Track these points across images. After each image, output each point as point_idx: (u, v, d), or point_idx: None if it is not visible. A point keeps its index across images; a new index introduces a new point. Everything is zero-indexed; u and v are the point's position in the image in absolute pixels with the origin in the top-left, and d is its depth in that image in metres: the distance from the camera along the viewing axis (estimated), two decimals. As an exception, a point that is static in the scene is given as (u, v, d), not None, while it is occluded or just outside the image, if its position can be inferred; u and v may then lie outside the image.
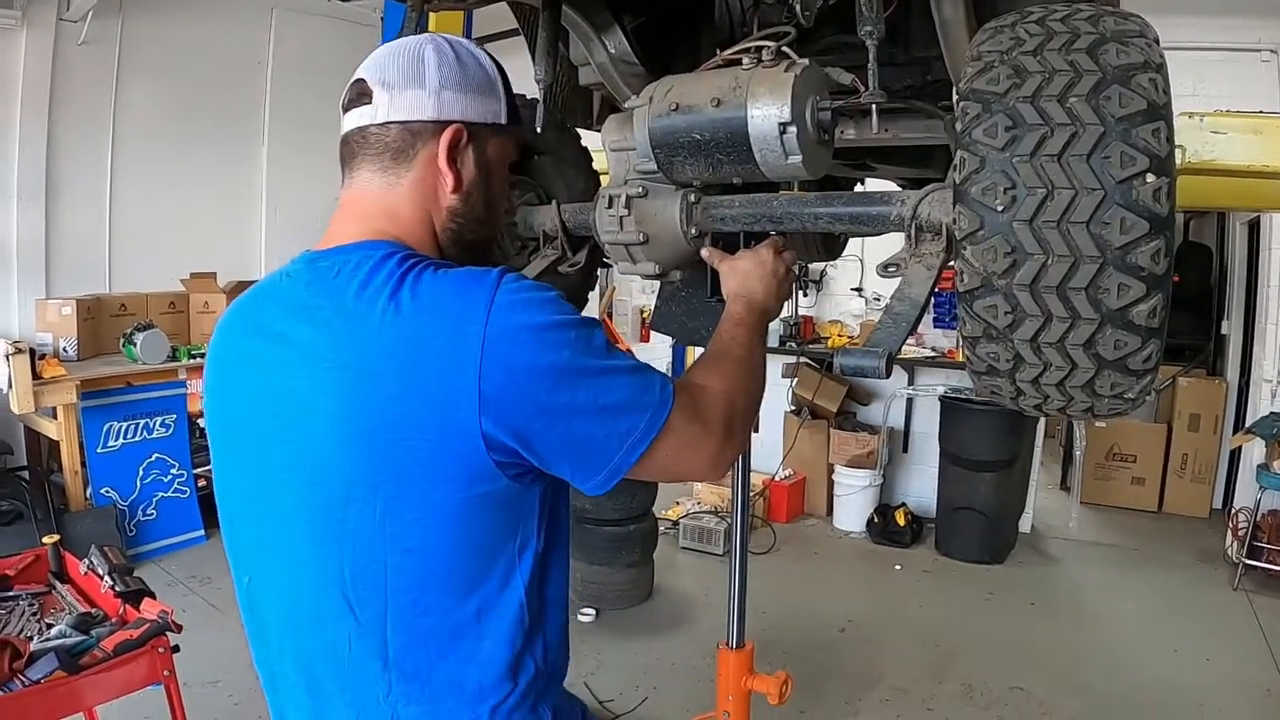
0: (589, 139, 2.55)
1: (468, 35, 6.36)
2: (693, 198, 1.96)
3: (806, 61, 1.72)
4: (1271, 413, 6.83)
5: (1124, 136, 1.29)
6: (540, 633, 1.41)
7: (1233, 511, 7.03)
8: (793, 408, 8.05)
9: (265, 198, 8.81)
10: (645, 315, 9.43)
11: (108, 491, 6.40)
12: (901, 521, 7.25)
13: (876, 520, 7.36)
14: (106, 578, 3.15)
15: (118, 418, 6.46)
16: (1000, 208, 1.35)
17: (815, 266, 8.27)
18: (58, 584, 3.35)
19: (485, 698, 1.35)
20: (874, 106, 1.75)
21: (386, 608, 1.33)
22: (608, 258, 2.18)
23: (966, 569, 6.77)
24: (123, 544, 6.05)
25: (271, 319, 1.40)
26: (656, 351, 8.78)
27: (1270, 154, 3.69)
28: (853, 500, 7.53)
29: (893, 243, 1.71)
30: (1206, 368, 8.64)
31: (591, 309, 8.72)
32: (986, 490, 6.81)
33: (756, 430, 3.45)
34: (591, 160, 2.55)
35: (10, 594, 3.26)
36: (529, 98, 2.39)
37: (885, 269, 1.64)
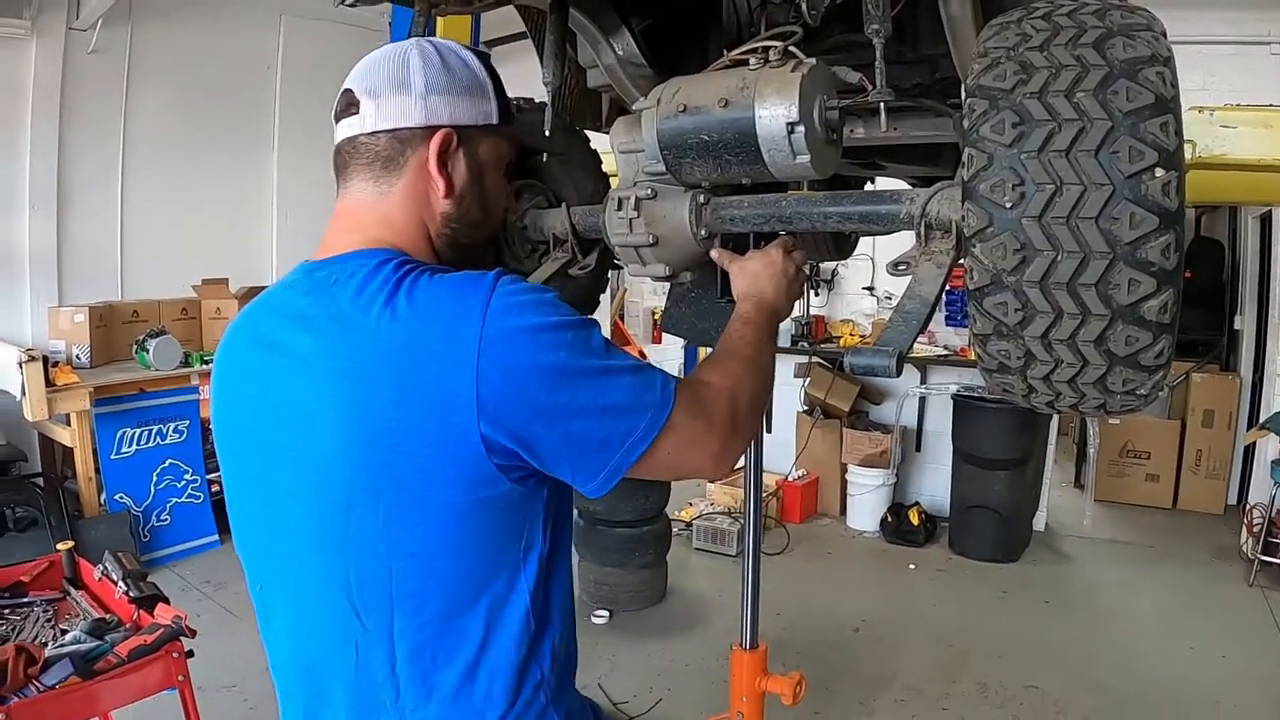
0: (598, 141, 2.55)
1: (475, 39, 6.37)
2: (702, 199, 1.95)
3: (814, 61, 1.72)
4: (1286, 408, 6.81)
5: (1132, 131, 1.28)
6: (547, 637, 1.41)
7: (1248, 507, 6.99)
8: (805, 407, 8.04)
9: (276, 203, 8.83)
10: (657, 317, 9.44)
11: (121, 497, 6.43)
12: (915, 521, 7.23)
13: (890, 519, 7.34)
14: (121, 583, 3.16)
15: (131, 424, 6.48)
16: (1009, 204, 1.34)
17: (826, 266, 8.27)
18: (72, 590, 3.36)
19: (493, 704, 1.35)
20: (882, 105, 1.75)
21: (392, 613, 1.33)
22: (618, 260, 2.18)
23: (980, 567, 6.76)
24: (137, 550, 6.06)
25: (271, 329, 1.41)
26: (668, 353, 8.80)
27: (1280, 147, 3.68)
28: (866, 500, 7.52)
29: (904, 241, 1.70)
30: (1220, 363, 8.59)
31: (603, 312, 8.74)
32: (1000, 488, 6.79)
33: (770, 431, 3.45)
34: (600, 163, 2.54)
35: (25, 600, 3.28)
36: (537, 101, 2.40)
37: (895, 267, 1.64)
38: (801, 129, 1.66)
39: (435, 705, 1.35)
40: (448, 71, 1.43)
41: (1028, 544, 7.09)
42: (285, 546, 1.42)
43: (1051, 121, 1.32)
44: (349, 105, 1.43)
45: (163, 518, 6.63)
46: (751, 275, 1.84)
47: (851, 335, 8.29)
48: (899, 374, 1.46)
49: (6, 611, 3.20)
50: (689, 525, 7.19)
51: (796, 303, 1.94)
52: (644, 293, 9.84)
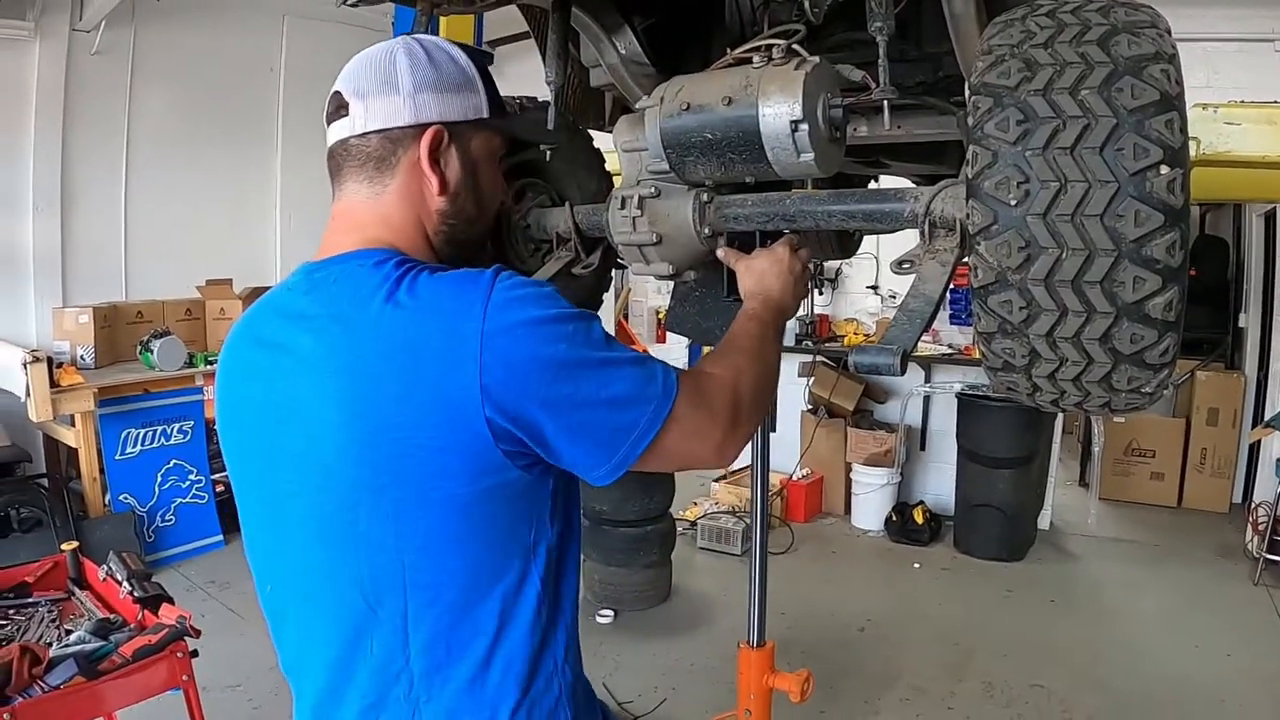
0: (601, 140, 2.55)
1: (479, 39, 6.38)
2: (705, 197, 1.95)
3: (817, 59, 1.72)
4: (1290, 406, 6.80)
5: (1137, 128, 1.28)
6: (560, 627, 1.42)
7: (1252, 506, 6.98)
8: (809, 407, 8.04)
9: (279, 203, 8.84)
10: (661, 316, 9.43)
11: (126, 498, 6.43)
12: (920, 520, 7.22)
13: (894, 518, 7.34)
14: (125, 584, 3.17)
15: (135, 425, 6.49)
16: (1013, 202, 1.34)
17: (830, 264, 8.27)
18: (77, 590, 3.37)
19: (507, 694, 1.36)
20: (885, 103, 1.75)
21: (406, 606, 1.33)
22: (621, 259, 2.18)
23: (985, 566, 6.75)
24: (141, 550, 6.07)
25: (273, 330, 1.42)
26: (673, 352, 8.79)
27: (1285, 145, 3.68)
28: (870, 499, 7.51)
29: (908, 239, 1.70)
30: (1225, 361, 8.58)
31: (607, 311, 8.75)
32: (1005, 487, 6.78)
33: (774, 430, 3.45)
34: (604, 161, 2.54)
35: (30, 600, 3.28)
36: (540, 100, 2.40)
37: (899, 266, 1.63)
38: (805, 127, 1.66)
39: (449, 696, 1.35)
40: (435, 68, 1.43)
41: (1032, 543, 7.09)
42: (293, 546, 1.42)
43: (1056, 119, 1.32)
44: (338, 108, 1.43)
45: (167, 518, 6.64)
46: (759, 274, 1.84)
47: (856, 334, 8.29)
48: (903, 372, 1.46)
49: (11, 612, 3.21)
50: (693, 525, 7.18)
51: (802, 301, 1.94)
52: (648, 292, 9.82)
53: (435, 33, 1.96)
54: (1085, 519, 7.70)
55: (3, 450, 6.54)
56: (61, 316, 6.83)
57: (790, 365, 7.84)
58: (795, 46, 1.74)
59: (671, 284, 2.62)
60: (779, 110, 1.67)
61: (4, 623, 3.13)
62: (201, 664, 2.99)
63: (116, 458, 6.40)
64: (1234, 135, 3.82)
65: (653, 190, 1.97)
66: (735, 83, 1.74)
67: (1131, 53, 1.33)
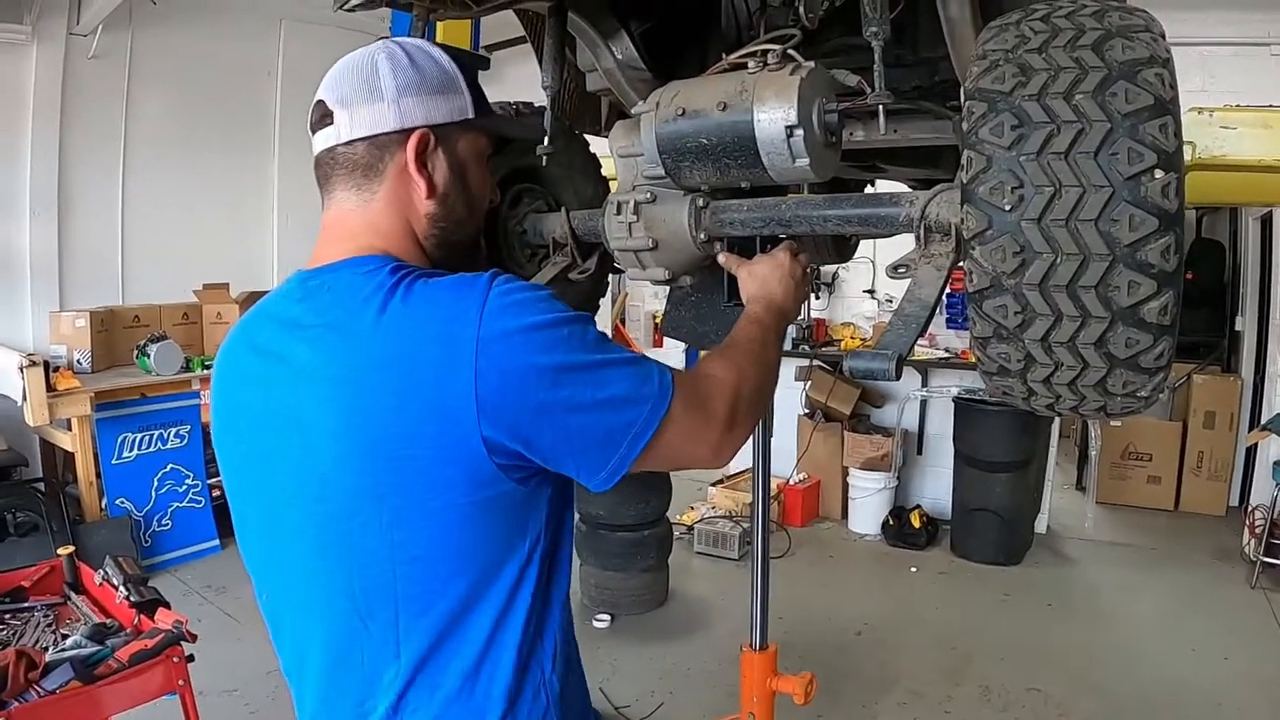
0: (597, 145, 2.55)
1: (475, 43, 6.39)
2: (701, 202, 1.95)
3: (812, 64, 1.72)
4: (1287, 409, 6.81)
5: (1131, 133, 1.28)
6: (548, 637, 1.41)
7: (1249, 509, 6.98)
8: (806, 411, 8.04)
9: (276, 208, 8.84)
10: (658, 320, 9.44)
11: (122, 502, 6.42)
12: (917, 524, 7.22)
13: (891, 523, 7.33)
14: (121, 588, 3.17)
15: (132, 429, 6.47)
16: (1008, 207, 1.34)
17: (827, 269, 8.27)
18: (73, 595, 3.37)
19: (494, 704, 1.35)
20: (881, 108, 1.75)
21: (398, 616, 1.33)
22: (617, 264, 2.18)
23: (982, 570, 6.74)
24: (138, 554, 6.05)
25: (267, 338, 1.41)
26: (670, 356, 8.78)
27: (1280, 148, 3.69)
28: (867, 503, 7.50)
29: (905, 244, 1.70)
30: (1221, 364, 8.59)
31: (604, 315, 8.74)
32: (1002, 491, 6.78)
33: (771, 434, 3.45)
34: (600, 167, 2.54)
35: (26, 605, 3.28)
36: (537, 105, 2.40)
37: (895, 270, 1.64)
38: (800, 132, 1.67)
39: (438, 706, 1.35)
40: (418, 71, 1.42)
41: (1029, 547, 7.08)
42: (288, 554, 1.42)
43: (1050, 123, 1.33)
44: (323, 116, 1.42)
45: (164, 522, 6.62)
46: (761, 279, 1.84)
47: (852, 338, 8.29)
48: (898, 377, 1.46)
49: (7, 616, 3.21)
50: (690, 529, 7.17)
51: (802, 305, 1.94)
52: (645, 296, 9.84)
53: (432, 38, 1.96)
54: (1082, 523, 7.69)
55: (-1, 454, 6.54)
56: (58, 320, 6.83)
57: (787, 369, 7.83)
58: (791, 52, 1.75)
59: (668, 289, 2.62)
60: (774, 115, 1.67)
61: (0, 627, 3.13)
62: (198, 669, 2.99)
63: (113, 462, 6.39)
64: (1230, 139, 3.83)
65: (649, 195, 1.97)
66: (731, 88, 1.74)
67: (1126, 57, 1.33)
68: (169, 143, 7.99)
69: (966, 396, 7.02)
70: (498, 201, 2.21)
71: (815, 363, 7.99)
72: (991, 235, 1.36)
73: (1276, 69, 6.48)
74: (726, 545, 6.93)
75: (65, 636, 3.00)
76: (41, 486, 6.55)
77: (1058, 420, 7.25)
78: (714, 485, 7.84)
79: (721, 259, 1.97)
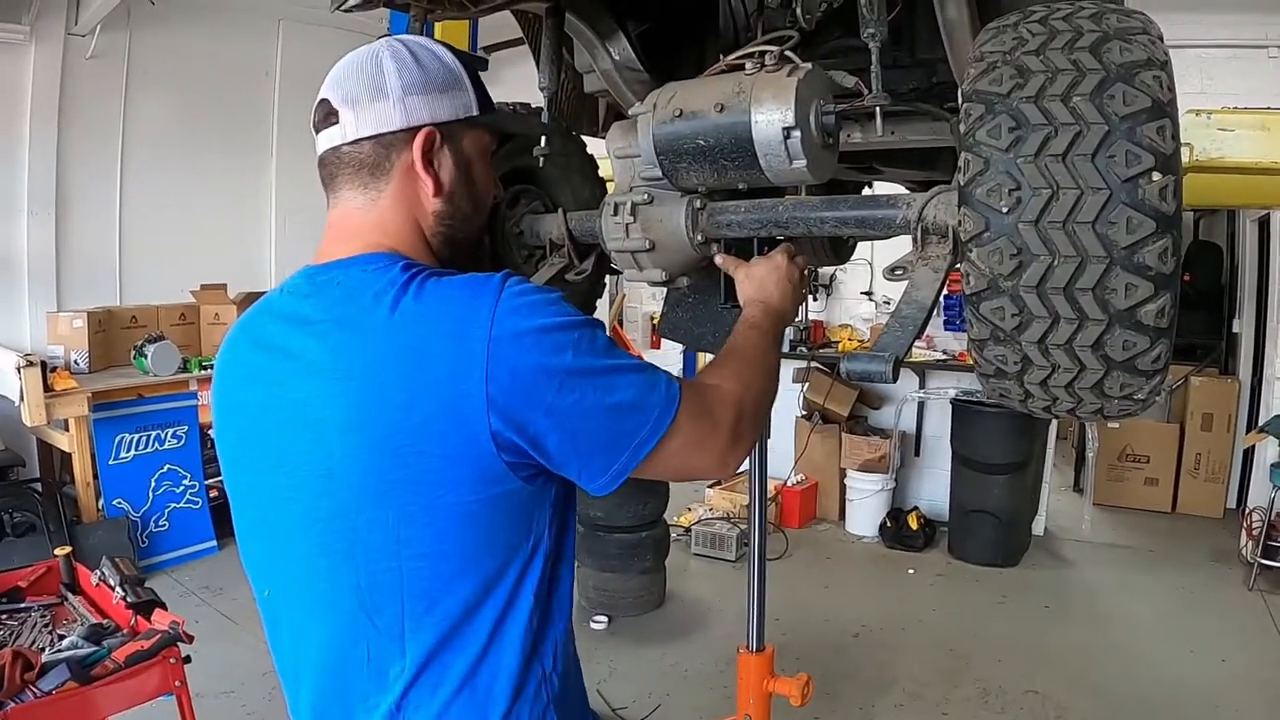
0: (594, 146, 2.54)
1: (473, 44, 6.38)
2: (698, 204, 1.95)
3: (810, 65, 1.72)
4: (1284, 411, 6.81)
5: (1129, 135, 1.28)
6: (549, 635, 1.41)
7: (1247, 511, 6.99)
8: (804, 412, 8.03)
9: (274, 208, 8.84)
10: (655, 321, 9.43)
11: (120, 503, 6.41)
12: (914, 525, 7.22)
13: (889, 524, 7.33)
14: (118, 589, 3.16)
15: (129, 429, 6.47)
16: (1005, 209, 1.34)
17: (825, 270, 8.27)
18: (70, 595, 3.36)
19: (496, 701, 1.35)
20: (878, 109, 1.75)
21: (403, 613, 1.33)
22: (614, 265, 2.18)
23: (980, 572, 6.74)
24: (135, 555, 6.05)
25: (273, 334, 1.41)
26: (668, 358, 8.78)
27: (1278, 150, 3.68)
28: (865, 505, 7.50)
29: (903, 245, 1.70)
30: (1219, 367, 8.59)
31: (601, 317, 8.73)
32: (999, 493, 6.78)
33: (768, 436, 3.45)
34: (597, 168, 2.54)
35: (22, 605, 3.28)
36: (534, 105, 2.40)
37: (892, 272, 1.64)
38: (798, 134, 1.66)
39: (441, 702, 1.35)
40: (422, 70, 1.42)
41: (1027, 548, 7.08)
42: (292, 551, 1.41)
43: (1048, 126, 1.32)
44: (327, 115, 1.42)
45: (161, 523, 6.61)
46: (758, 281, 1.83)
47: (850, 340, 8.28)
48: (895, 379, 1.46)
49: (4, 617, 3.20)
50: (688, 530, 7.17)
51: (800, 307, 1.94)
52: (642, 298, 9.83)
53: (429, 37, 1.96)
54: (1080, 524, 7.69)
55: (-3, 455, 6.54)
56: (56, 321, 6.82)
57: (785, 371, 7.79)
58: (788, 53, 1.75)
59: (665, 290, 2.62)
60: (771, 117, 1.67)
61: (-3, 628, 3.13)
62: (194, 670, 2.98)
63: (110, 462, 6.38)
64: (1228, 141, 3.83)
65: (646, 197, 1.97)
66: (728, 89, 1.74)
67: (1123, 59, 1.33)
68: (167, 143, 7.99)
69: (964, 398, 7.03)
70: (501, 198, 2.22)
71: (813, 364, 7.97)
72: (989, 237, 1.36)
73: (1274, 71, 6.50)
74: (724, 547, 6.93)
75: (62, 637, 2.99)
76: (39, 487, 6.55)
77: (1055, 422, 7.25)
78: (711, 487, 7.82)
79: (719, 260, 1.96)
